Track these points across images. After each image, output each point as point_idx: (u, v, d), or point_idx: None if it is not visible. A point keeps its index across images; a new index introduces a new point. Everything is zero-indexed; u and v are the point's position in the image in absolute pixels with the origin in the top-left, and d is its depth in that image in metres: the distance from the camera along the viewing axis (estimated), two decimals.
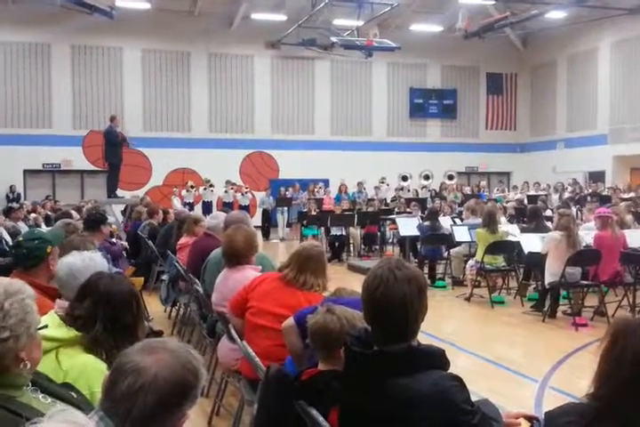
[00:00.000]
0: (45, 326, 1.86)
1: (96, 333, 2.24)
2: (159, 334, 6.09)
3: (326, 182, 20.48)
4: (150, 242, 8.58)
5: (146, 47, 20.98)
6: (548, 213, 12.00)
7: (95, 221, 5.83)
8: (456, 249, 9.92)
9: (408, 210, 14.00)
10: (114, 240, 7.28)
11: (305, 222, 15.33)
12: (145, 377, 1.40)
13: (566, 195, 16.93)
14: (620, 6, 18.23)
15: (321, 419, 2.14)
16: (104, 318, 2.27)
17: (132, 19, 19.51)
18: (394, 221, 12.72)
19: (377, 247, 14.09)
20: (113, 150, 12.57)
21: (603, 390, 1.69)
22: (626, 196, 15.32)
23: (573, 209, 12.47)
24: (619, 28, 19.58)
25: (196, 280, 5.16)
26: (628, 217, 9.27)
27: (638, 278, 7.30)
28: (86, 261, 2.85)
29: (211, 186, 18.93)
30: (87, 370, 2.08)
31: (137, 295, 2.43)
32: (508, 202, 16.07)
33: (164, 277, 7.34)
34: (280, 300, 3.45)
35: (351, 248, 14.12)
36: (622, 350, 1.68)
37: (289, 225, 18.40)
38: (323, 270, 3.55)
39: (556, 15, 19.28)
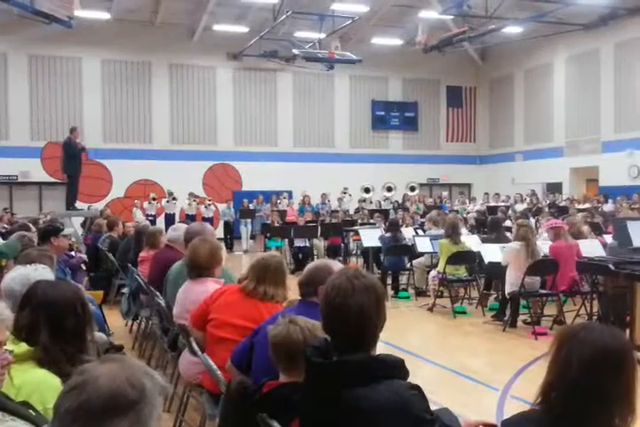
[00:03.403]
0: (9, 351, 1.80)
1: (44, 342, 2.18)
2: (120, 348, 5.96)
3: (290, 194, 20.47)
4: (110, 255, 8.46)
5: (105, 57, 20.73)
6: (508, 223, 12.20)
7: (46, 232, 5.73)
8: (418, 260, 10.00)
9: (371, 221, 14.07)
10: (72, 253, 7.17)
11: (268, 234, 15.28)
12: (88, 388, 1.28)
13: (524, 206, 17.24)
14: (574, 22, 18.77)
15: None
16: (46, 323, 2.22)
17: (92, 29, 19.25)
18: (357, 233, 12.78)
19: (340, 258, 14.13)
20: (72, 162, 12.39)
21: (554, 396, 1.72)
22: (582, 206, 15.68)
23: (532, 220, 12.70)
24: (573, 44, 20.13)
25: (158, 293, 5.09)
26: (585, 227, 9.46)
27: (595, 288, 7.46)
28: (27, 274, 2.82)
29: (173, 198, 18.75)
30: (40, 386, 2.03)
31: (81, 299, 2.37)
32: (468, 213, 16.31)
33: (125, 290, 7.23)
34: (241, 311, 3.42)
35: (315, 260, 14.12)
36: (567, 354, 1.72)
37: (252, 237, 18.34)
38: (282, 280, 3.52)
39: (513, 30, 19.72)
